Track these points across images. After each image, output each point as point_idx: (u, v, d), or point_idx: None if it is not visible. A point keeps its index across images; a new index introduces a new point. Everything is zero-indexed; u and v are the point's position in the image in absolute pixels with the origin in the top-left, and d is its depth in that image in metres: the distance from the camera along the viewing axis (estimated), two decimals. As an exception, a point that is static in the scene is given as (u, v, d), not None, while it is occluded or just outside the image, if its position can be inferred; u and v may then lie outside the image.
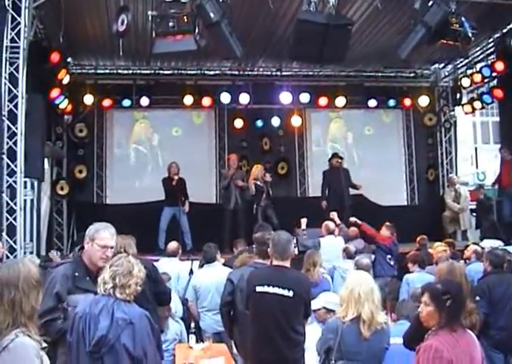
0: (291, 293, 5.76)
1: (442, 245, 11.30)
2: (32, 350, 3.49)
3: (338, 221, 11.89)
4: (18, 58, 9.79)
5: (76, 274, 5.24)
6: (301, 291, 5.83)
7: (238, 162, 15.17)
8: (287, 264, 6.04)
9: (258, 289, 5.88)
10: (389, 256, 11.42)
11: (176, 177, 13.92)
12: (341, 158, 15.14)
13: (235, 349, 7.05)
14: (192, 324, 7.80)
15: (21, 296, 3.54)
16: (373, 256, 11.43)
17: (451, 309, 4.37)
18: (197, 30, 10.24)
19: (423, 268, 9.68)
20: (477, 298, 6.72)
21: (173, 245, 10.79)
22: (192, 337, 7.39)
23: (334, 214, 12.01)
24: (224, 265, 9.42)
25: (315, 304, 6.31)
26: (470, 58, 15.76)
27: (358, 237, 11.96)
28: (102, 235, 5.41)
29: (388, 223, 12.03)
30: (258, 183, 14.25)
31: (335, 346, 5.08)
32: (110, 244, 5.43)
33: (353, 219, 12.07)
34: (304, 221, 11.36)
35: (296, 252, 10.26)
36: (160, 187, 14.22)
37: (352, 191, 15.11)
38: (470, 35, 11.13)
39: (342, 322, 5.14)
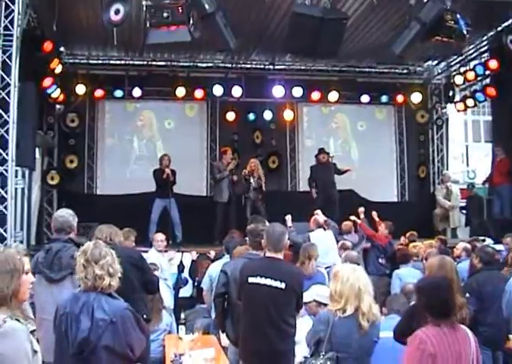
0: (283, 285, 5.76)
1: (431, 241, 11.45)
2: (23, 334, 3.47)
3: (324, 218, 11.85)
4: (11, 46, 9.74)
5: None
6: (293, 283, 5.83)
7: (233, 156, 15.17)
8: (280, 256, 6.05)
9: (251, 280, 5.89)
10: (382, 255, 11.48)
11: (167, 170, 13.87)
12: (328, 154, 15.09)
13: (224, 341, 7.05)
14: (182, 315, 7.81)
15: None
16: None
17: (425, 305, 4.38)
18: (191, 21, 10.19)
19: (406, 263, 9.82)
20: (467, 295, 6.73)
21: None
22: (182, 328, 7.39)
23: (318, 212, 11.94)
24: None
25: (306, 297, 6.29)
26: (464, 56, 15.79)
27: (352, 231, 11.99)
28: None
29: (389, 222, 12.06)
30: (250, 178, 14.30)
31: (326, 337, 5.06)
32: None
33: (353, 217, 12.09)
34: (288, 218, 11.11)
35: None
36: (151, 178, 14.19)
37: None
38: (465, 32, 11.14)
39: (334, 314, 5.12)
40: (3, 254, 3.66)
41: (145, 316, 6.41)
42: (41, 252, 6.13)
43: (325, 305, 6.13)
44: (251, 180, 14.29)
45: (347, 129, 18.05)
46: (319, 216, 11.50)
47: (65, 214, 6.29)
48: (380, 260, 11.45)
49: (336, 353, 5.00)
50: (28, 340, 3.48)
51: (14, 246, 4.90)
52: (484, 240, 11.25)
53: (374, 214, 12.29)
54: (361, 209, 12.28)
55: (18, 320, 3.50)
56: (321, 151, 15.11)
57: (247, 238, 7.13)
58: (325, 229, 11.29)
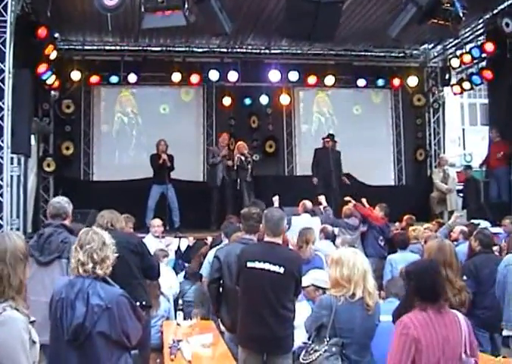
0: (282, 270, 5.77)
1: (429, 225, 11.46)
2: (20, 324, 3.45)
3: (324, 204, 11.84)
4: (5, 33, 9.67)
5: None
6: (292, 268, 5.83)
7: (228, 142, 15.11)
8: (279, 240, 6.05)
9: (249, 264, 5.89)
10: (381, 237, 11.46)
11: (163, 155, 13.82)
12: (334, 140, 15.01)
13: (222, 327, 7.05)
14: (180, 301, 7.80)
15: (9, 271, 3.50)
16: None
17: (414, 289, 4.35)
18: (186, 6, 10.13)
19: (404, 249, 9.79)
20: (464, 277, 6.74)
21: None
22: (180, 314, 7.38)
23: (322, 198, 11.93)
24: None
25: (304, 281, 6.28)
26: (460, 39, 15.67)
27: (352, 215, 11.98)
28: None
29: (383, 204, 12.04)
30: (242, 158, 14.23)
31: (329, 323, 5.03)
32: None
33: (347, 198, 12.07)
34: (275, 199, 11.15)
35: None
36: (148, 164, 14.15)
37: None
38: (461, 15, 11.09)
39: (337, 299, 5.08)
40: (11, 243, 3.60)
41: (144, 303, 6.42)
42: (35, 236, 6.30)
43: (323, 289, 6.14)
44: (249, 167, 14.27)
45: (343, 113, 18.00)
46: (320, 203, 11.50)
47: (61, 201, 6.41)
48: (380, 242, 11.44)
49: (340, 338, 4.97)
50: (26, 330, 3.46)
51: (14, 232, 4.90)
52: (479, 224, 11.22)
53: (363, 200, 12.23)
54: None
55: (17, 310, 3.48)
56: (328, 136, 14.98)
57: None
58: (312, 215, 11.27)
